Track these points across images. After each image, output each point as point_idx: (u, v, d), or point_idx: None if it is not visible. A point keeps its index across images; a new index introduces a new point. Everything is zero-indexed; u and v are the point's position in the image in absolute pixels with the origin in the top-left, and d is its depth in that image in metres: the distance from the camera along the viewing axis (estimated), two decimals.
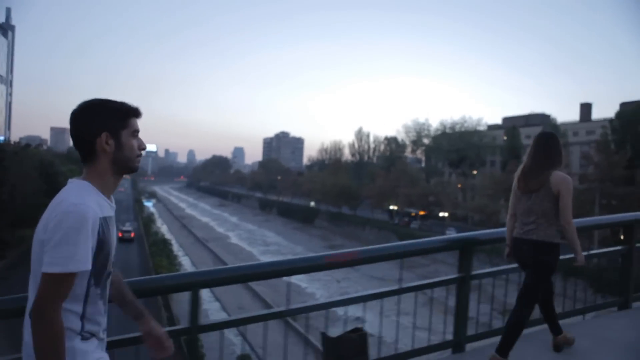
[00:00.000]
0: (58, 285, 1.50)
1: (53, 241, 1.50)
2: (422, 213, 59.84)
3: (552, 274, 3.40)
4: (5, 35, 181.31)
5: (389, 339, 5.09)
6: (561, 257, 3.43)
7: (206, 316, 28.26)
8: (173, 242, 55.97)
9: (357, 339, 3.02)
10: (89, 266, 1.54)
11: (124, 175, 1.78)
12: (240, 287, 32.32)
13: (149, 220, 48.60)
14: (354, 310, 4.01)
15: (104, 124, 1.65)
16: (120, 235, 50.66)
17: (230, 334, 22.66)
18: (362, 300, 3.35)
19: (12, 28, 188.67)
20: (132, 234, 49.54)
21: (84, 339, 1.60)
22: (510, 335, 3.24)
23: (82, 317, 1.60)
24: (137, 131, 1.73)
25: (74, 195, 1.56)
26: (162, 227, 68.94)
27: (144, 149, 1.76)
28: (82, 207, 1.52)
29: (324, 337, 3.08)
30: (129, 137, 1.69)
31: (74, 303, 1.57)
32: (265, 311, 3.12)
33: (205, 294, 31.86)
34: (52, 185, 33.22)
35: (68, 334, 1.55)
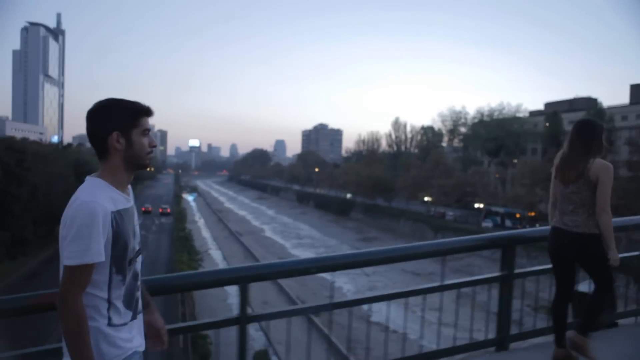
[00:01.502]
0: (76, 276, 1.67)
1: (69, 237, 1.66)
2: (531, 214, 46.78)
3: (606, 263, 3.19)
4: (56, 39, 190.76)
5: (430, 336, 4.68)
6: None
7: (229, 310, 28.51)
8: (208, 236, 57.08)
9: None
10: (102, 258, 1.69)
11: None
12: (267, 282, 32.27)
13: (180, 215, 49.49)
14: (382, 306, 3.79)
15: (115, 123, 1.77)
16: (160, 211, 65.85)
17: (252, 328, 22.69)
18: (398, 296, 3.44)
19: (63, 32, 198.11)
20: (169, 210, 66.17)
21: (109, 324, 1.76)
22: (590, 318, 3.24)
23: (108, 301, 1.76)
24: (148, 130, 1.84)
25: (86, 193, 1.71)
26: (200, 221, 70.46)
27: (155, 146, 1.88)
28: (92, 204, 1.67)
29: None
30: (139, 135, 1.81)
31: (98, 289, 1.73)
32: (311, 304, 3.33)
33: (231, 288, 32.10)
34: None
35: (96, 316, 1.73)
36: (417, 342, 3.53)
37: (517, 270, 3.55)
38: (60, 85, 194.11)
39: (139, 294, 1.90)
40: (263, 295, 30.72)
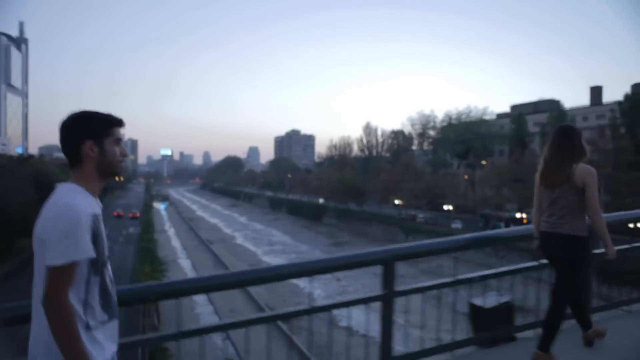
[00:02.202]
0: (62, 275, 1.69)
1: (53, 237, 1.68)
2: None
3: (582, 268, 3.34)
4: (19, 48, 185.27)
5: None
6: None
7: (197, 321, 27.89)
8: (177, 245, 56.03)
9: (505, 308, 3.52)
10: (92, 253, 1.75)
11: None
12: (235, 290, 31.75)
13: (147, 224, 48.47)
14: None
15: (89, 132, 1.84)
16: (130, 215, 69.99)
17: (219, 338, 22.22)
18: (355, 303, 3.38)
19: (26, 41, 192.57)
20: (138, 214, 70.47)
21: (88, 327, 1.77)
22: (548, 331, 3.28)
23: (85, 304, 1.78)
24: (120, 139, 1.92)
25: (67, 196, 1.76)
26: (170, 231, 69.15)
27: (126, 155, 1.96)
28: (75, 205, 1.72)
29: (474, 307, 3.68)
30: (112, 144, 1.89)
31: (76, 290, 1.75)
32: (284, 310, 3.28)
33: (199, 297, 31.50)
34: (45, 196, 33.16)
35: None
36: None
37: (398, 288, 3.36)
38: (24, 95, 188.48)
39: (115, 298, 1.93)
40: (231, 303, 30.25)
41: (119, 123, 1.91)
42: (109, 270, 1.91)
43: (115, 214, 69.95)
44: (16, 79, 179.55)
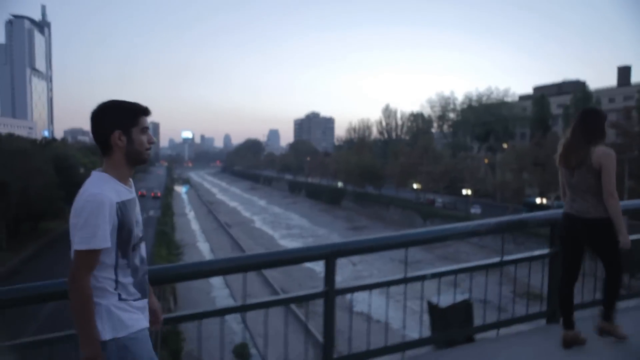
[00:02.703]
0: (84, 259, 1.85)
1: (79, 224, 1.84)
2: None
3: (617, 248, 3.29)
4: (42, 32, 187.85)
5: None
6: None
7: (213, 303, 28.34)
8: (197, 228, 56.84)
9: (463, 307, 3.49)
10: (107, 244, 1.87)
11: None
12: (252, 273, 31.88)
13: (166, 208, 49.23)
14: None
15: (117, 123, 1.94)
16: (152, 195, 78.90)
17: (234, 321, 22.54)
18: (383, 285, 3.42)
19: (48, 25, 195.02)
20: (159, 194, 79.91)
21: (120, 299, 1.93)
22: (609, 302, 3.39)
23: (116, 282, 1.93)
24: (147, 128, 2.01)
25: (93, 186, 1.89)
26: (190, 214, 70.15)
27: (153, 142, 2.06)
28: (99, 195, 1.85)
29: (431, 306, 3.64)
30: (138, 133, 1.98)
31: (106, 271, 1.91)
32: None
33: (216, 280, 31.96)
34: (66, 178, 33.98)
35: (105, 295, 1.90)
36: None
37: (338, 287, 3.26)
38: (49, 79, 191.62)
39: (145, 277, 2.07)
40: (247, 287, 30.59)
41: (144, 112, 2.00)
42: (141, 251, 2.05)
43: (139, 193, 74.07)
44: (40, 63, 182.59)
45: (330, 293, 3.21)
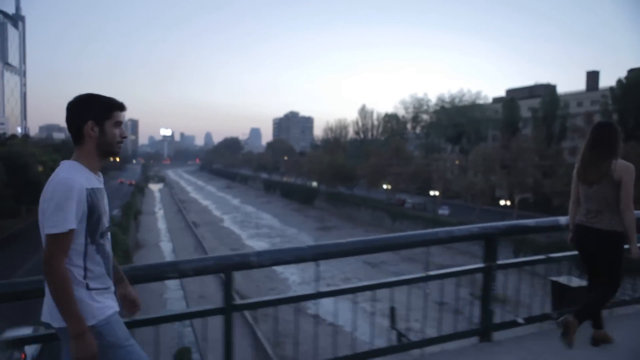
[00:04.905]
0: (57, 242, 1.87)
1: (50, 208, 1.86)
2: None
3: (621, 263, 3.36)
4: (15, 26, 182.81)
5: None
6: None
7: (164, 306, 27.52)
8: (163, 227, 55.69)
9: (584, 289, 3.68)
10: (73, 225, 1.88)
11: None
12: (208, 276, 31.12)
13: (127, 208, 48.04)
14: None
15: (91, 114, 1.99)
16: (129, 183, 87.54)
17: (182, 325, 21.80)
18: (365, 289, 3.40)
19: (22, 18, 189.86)
20: (134, 182, 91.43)
21: (88, 288, 1.95)
22: (595, 314, 3.46)
23: (85, 269, 1.95)
24: (120, 122, 2.06)
25: (64, 171, 1.93)
26: (159, 213, 68.82)
27: (125, 137, 2.09)
28: (69, 180, 1.88)
29: (554, 284, 4.09)
30: (111, 126, 2.03)
31: (75, 257, 1.93)
32: (299, 293, 3.26)
33: (171, 283, 31.09)
34: (16, 176, 32.66)
35: (74, 286, 1.90)
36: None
37: (237, 302, 3.08)
38: (22, 73, 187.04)
39: (111, 265, 2.07)
40: (202, 289, 29.83)
41: (120, 107, 2.05)
42: (108, 241, 2.06)
43: (119, 181, 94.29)
44: (13, 58, 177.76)
45: (228, 309, 2.98)
